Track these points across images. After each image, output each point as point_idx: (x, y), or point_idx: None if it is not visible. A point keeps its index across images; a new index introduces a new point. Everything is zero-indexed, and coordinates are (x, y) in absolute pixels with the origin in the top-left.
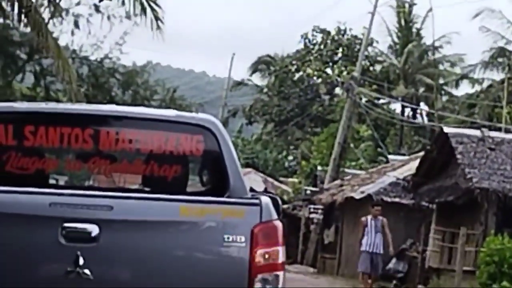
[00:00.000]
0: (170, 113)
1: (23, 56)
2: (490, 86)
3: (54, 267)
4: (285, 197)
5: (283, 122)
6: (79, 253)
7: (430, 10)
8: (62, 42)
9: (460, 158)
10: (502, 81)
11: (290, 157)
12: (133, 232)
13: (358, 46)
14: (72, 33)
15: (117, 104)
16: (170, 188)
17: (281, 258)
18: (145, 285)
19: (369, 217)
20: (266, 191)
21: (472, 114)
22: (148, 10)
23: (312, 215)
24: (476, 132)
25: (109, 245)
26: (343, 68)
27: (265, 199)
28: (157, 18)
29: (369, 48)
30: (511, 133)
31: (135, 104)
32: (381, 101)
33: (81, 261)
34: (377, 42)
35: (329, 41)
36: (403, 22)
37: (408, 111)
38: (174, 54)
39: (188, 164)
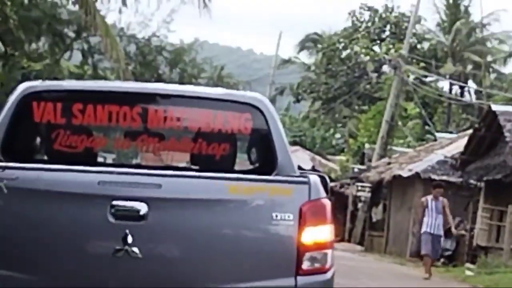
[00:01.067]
0: (218, 91)
1: (71, 34)
2: None
3: (103, 245)
4: (333, 175)
5: (330, 100)
6: (127, 231)
7: None
8: (109, 20)
9: (508, 136)
10: None
11: (338, 135)
12: (182, 210)
13: (405, 24)
14: (120, 11)
15: (165, 82)
16: (218, 166)
17: (330, 236)
18: (194, 263)
19: (429, 197)
20: (313, 169)
21: None
22: None
23: (359, 193)
24: None
25: (157, 223)
26: (390, 46)
27: (314, 177)
28: None
29: (417, 26)
30: None
31: (182, 82)
32: (429, 79)
33: (129, 239)
34: (425, 19)
35: (376, 19)
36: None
37: (456, 89)
38: (221, 32)
39: (236, 142)
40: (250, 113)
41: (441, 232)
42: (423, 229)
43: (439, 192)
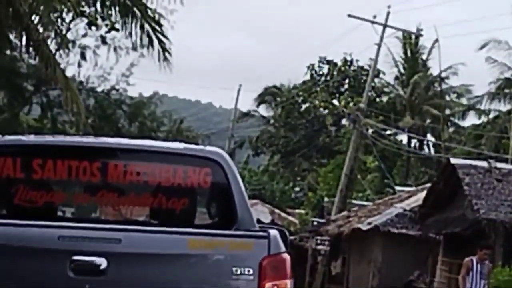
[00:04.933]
0: (178, 145)
1: (30, 88)
2: (496, 117)
3: None
4: (292, 229)
5: (289, 153)
6: (87, 286)
7: (437, 41)
8: (68, 74)
9: (467, 189)
10: (509, 112)
11: (297, 188)
12: (142, 265)
13: (364, 77)
14: (79, 65)
15: (124, 135)
16: (178, 221)
17: None
18: None
19: (474, 259)
20: (273, 223)
21: (479, 145)
22: (155, 41)
23: (319, 247)
24: (483, 163)
25: (117, 278)
26: (349, 99)
27: (273, 232)
28: (164, 50)
29: (376, 79)
30: None
31: (142, 136)
32: (388, 132)
33: None
34: (383, 73)
35: (335, 72)
36: (409, 53)
37: (414, 142)
38: (180, 85)
39: (196, 196)
40: (210, 167)
41: None
42: None
43: (486, 254)
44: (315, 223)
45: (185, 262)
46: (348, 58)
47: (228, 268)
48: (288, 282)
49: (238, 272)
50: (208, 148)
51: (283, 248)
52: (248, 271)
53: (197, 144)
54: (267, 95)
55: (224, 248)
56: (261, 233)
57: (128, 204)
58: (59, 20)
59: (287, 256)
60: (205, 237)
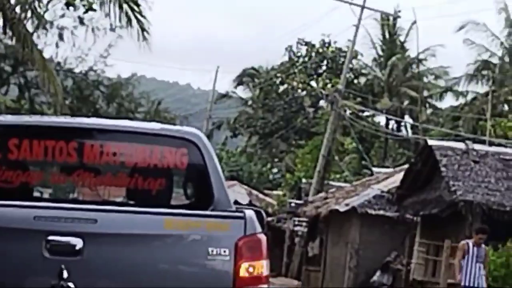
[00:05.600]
0: (154, 126)
1: (8, 68)
2: (474, 99)
3: (38, 281)
4: (270, 210)
5: (267, 135)
6: (63, 266)
7: (415, 22)
8: (46, 55)
9: (444, 171)
10: (486, 94)
11: (275, 170)
12: (118, 245)
13: (342, 59)
14: (57, 46)
15: (102, 116)
16: (154, 201)
17: (265, 271)
18: None
19: (470, 243)
20: (250, 204)
21: (456, 127)
22: (134, 21)
23: (296, 228)
24: (460, 145)
25: (93, 258)
26: (327, 81)
27: (249, 212)
28: (143, 29)
29: (354, 61)
30: (495, 146)
31: (119, 117)
32: (366, 113)
33: (65, 275)
34: (361, 54)
35: (313, 54)
36: (387, 35)
37: (392, 123)
38: (159, 67)
39: (173, 177)
40: (186, 148)
41: (483, 284)
42: (462, 281)
43: (482, 239)
44: (292, 204)
45: (161, 242)
46: (326, 40)
47: (204, 248)
48: (264, 263)
49: (214, 252)
50: (185, 128)
51: (259, 229)
52: (224, 251)
53: (174, 125)
54: (245, 77)
55: (200, 229)
56: (237, 214)
57: (104, 185)
58: (36, 0)
59: (263, 237)
60: (181, 218)
